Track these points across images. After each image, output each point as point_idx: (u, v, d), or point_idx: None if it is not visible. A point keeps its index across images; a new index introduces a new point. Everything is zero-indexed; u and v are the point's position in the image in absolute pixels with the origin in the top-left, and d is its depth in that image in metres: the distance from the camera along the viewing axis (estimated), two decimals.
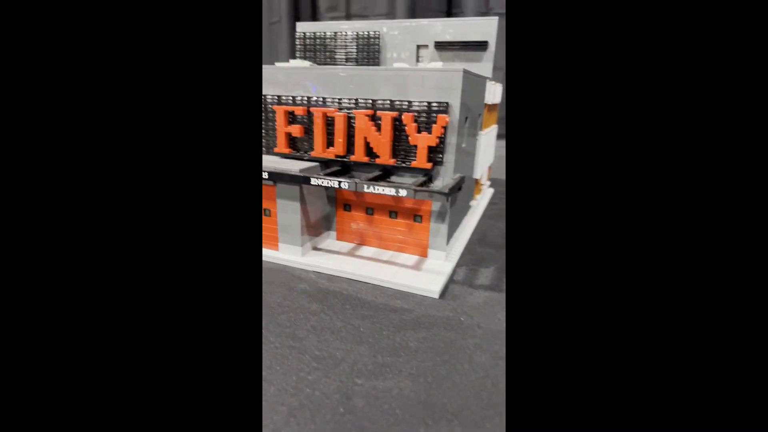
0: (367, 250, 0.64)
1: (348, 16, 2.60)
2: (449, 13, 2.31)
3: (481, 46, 0.78)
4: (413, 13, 2.53)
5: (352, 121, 0.56)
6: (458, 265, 0.62)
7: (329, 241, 0.67)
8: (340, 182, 0.52)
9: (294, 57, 0.94)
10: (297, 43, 0.90)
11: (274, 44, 2.68)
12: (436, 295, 0.52)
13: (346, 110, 0.57)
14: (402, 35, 0.84)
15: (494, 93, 0.82)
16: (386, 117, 0.54)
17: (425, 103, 0.54)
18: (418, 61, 0.86)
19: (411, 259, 0.61)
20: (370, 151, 0.57)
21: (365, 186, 0.51)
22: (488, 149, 0.88)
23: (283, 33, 2.61)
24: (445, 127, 0.53)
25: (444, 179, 0.56)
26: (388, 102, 0.55)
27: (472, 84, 0.61)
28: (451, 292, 0.53)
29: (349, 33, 0.86)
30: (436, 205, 0.59)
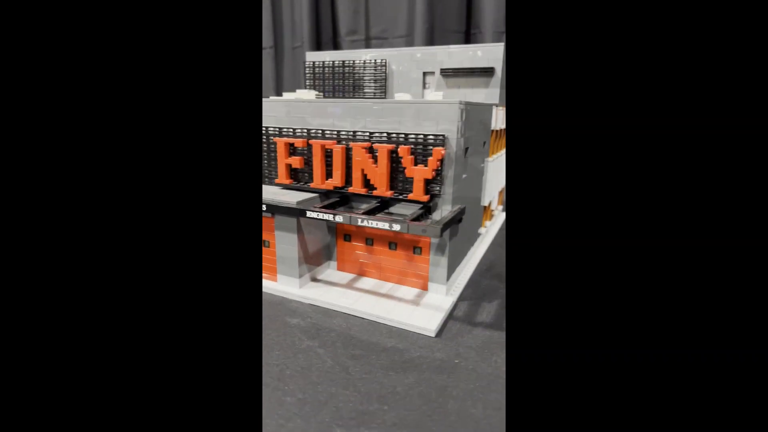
0: (366, 282, 0.63)
1: (367, 39, 2.65)
2: (468, 33, 2.31)
3: (488, 72, 0.77)
4: (432, 34, 2.56)
5: (350, 153, 0.56)
6: (460, 298, 0.59)
7: (329, 271, 0.66)
8: (335, 215, 0.52)
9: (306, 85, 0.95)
10: (306, 72, 0.92)
11: (297, 69, 2.75)
12: (432, 334, 0.50)
13: (344, 142, 0.57)
14: (408, 63, 0.85)
15: (502, 119, 0.80)
16: (382, 149, 0.53)
17: (422, 136, 0.53)
18: (424, 88, 0.85)
19: (411, 292, 0.60)
20: (367, 183, 0.56)
21: (359, 220, 0.51)
22: (497, 175, 0.86)
23: (305, 57, 2.68)
24: (441, 160, 0.52)
25: (442, 211, 0.55)
26: (386, 134, 0.55)
27: (475, 113, 0.60)
28: (449, 330, 0.51)
29: (355, 62, 0.87)
30: (434, 237, 0.57)
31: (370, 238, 0.63)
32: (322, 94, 0.92)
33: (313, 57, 0.92)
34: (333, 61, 0.89)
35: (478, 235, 0.80)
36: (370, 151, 0.55)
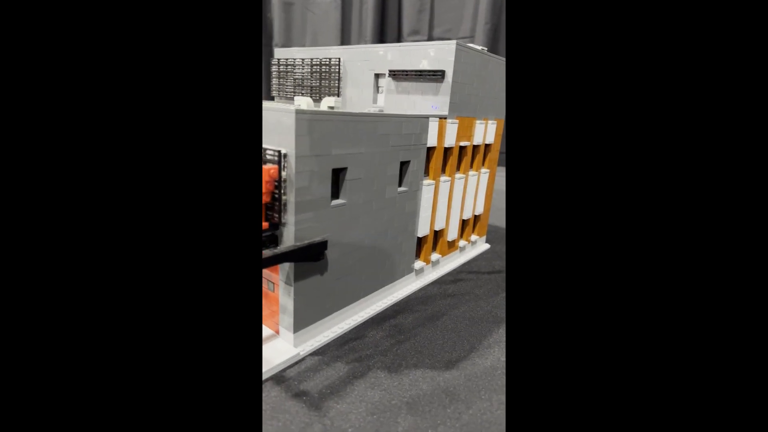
0: None
1: (429, 39, 2.52)
2: None
3: (437, 75, 0.63)
4: (495, 34, 2.34)
5: None
6: (318, 352, 0.48)
7: None
8: None
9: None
10: (272, 70, 0.86)
11: None
12: None
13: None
14: (361, 63, 0.73)
15: (451, 134, 0.65)
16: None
17: (269, 150, 0.43)
18: (378, 91, 0.74)
19: (264, 332, 0.50)
20: None
21: None
22: (455, 200, 0.71)
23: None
24: (277, 182, 0.42)
25: (284, 245, 0.45)
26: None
27: (353, 127, 0.48)
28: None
29: (306, 60, 0.79)
30: (282, 273, 0.47)
31: None
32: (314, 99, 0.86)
33: (281, 54, 0.86)
34: (294, 59, 0.82)
35: (412, 270, 0.67)
36: None
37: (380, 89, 0.73)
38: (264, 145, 0.43)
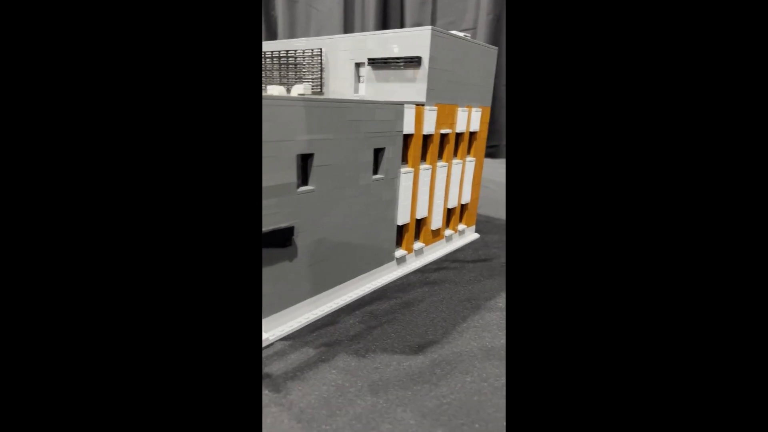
0: None
1: None
2: None
3: (414, 62, 0.63)
4: (497, 25, 2.31)
5: None
6: (288, 338, 0.49)
7: None
8: None
9: None
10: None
11: None
12: None
13: None
14: (342, 53, 0.73)
15: (429, 121, 0.65)
16: None
17: None
18: (359, 81, 0.73)
19: None
20: None
21: None
22: (436, 189, 0.71)
23: None
24: None
25: None
26: None
27: (327, 113, 0.48)
28: None
29: (288, 51, 0.79)
30: None
31: None
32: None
33: (266, 47, 0.87)
34: (271, 52, 0.83)
35: (392, 258, 0.67)
36: None
37: (361, 78, 0.73)
38: None
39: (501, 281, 0.67)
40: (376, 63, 0.68)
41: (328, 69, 0.76)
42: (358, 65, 0.72)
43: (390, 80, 0.67)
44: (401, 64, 0.64)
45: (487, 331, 0.52)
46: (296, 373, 0.43)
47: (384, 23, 2.67)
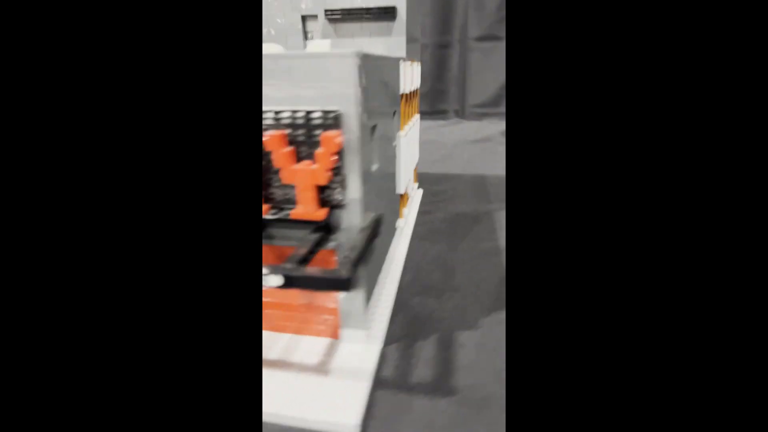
0: None
1: None
2: None
3: (388, 13, 0.57)
4: None
5: None
6: (387, 341, 0.42)
7: None
8: None
9: None
10: None
11: None
12: None
13: None
14: (281, 2, 0.60)
15: (412, 77, 0.62)
16: None
17: (302, 114, 0.32)
18: (306, 39, 0.62)
19: (315, 347, 0.41)
20: None
21: None
22: (411, 150, 0.69)
23: None
24: (339, 151, 0.32)
25: (349, 231, 0.36)
26: None
27: (377, 71, 0.40)
28: (378, 415, 0.34)
29: None
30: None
31: None
32: None
33: None
34: None
35: (395, 230, 0.63)
36: None
37: (309, 35, 0.62)
38: (305, 107, 0.32)
39: (468, 205, 0.72)
40: (335, 15, 0.58)
41: (263, 27, 0.61)
42: (305, 18, 0.60)
43: (355, 35, 0.59)
44: (370, 16, 0.57)
45: None
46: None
47: None
